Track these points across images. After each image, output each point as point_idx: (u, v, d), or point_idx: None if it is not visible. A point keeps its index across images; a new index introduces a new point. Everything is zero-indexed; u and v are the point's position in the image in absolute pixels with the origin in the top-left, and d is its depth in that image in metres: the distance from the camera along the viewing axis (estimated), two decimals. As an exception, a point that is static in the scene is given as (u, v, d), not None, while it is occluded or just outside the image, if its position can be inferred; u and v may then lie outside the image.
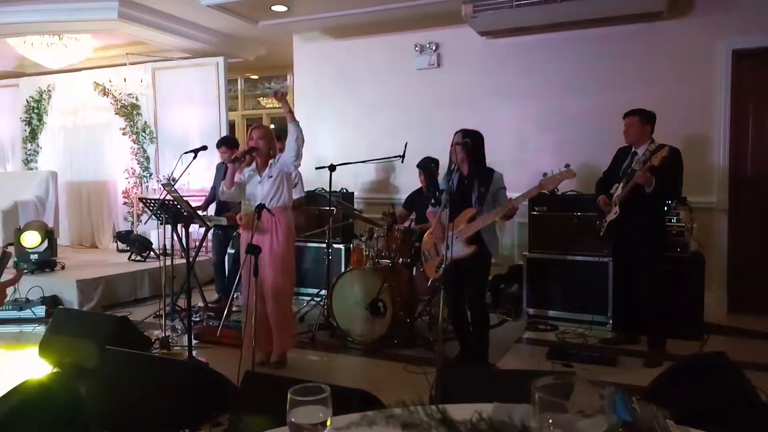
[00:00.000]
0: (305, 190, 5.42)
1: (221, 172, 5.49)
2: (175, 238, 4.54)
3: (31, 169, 8.32)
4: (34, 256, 5.84)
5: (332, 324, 4.49)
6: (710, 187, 4.96)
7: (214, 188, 5.50)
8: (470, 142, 3.59)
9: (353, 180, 6.08)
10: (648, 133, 4.00)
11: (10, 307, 5.12)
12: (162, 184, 5.11)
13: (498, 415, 1.08)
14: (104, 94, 7.72)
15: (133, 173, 7.72)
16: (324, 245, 5.17)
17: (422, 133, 5.73)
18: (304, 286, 5.74)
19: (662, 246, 4.12)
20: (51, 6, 5.82)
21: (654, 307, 4.00)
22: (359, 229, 5.51)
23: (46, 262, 5.87)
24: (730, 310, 4.98)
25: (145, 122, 7.66)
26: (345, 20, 5.92)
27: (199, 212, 5.23)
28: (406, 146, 4.91)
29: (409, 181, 5.60)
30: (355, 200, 6.03)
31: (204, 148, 4.92)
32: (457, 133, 3.66)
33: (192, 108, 7.37)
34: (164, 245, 4.83)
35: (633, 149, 4.05)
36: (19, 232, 5.85)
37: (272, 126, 9.35)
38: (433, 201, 3.86)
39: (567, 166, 3.42)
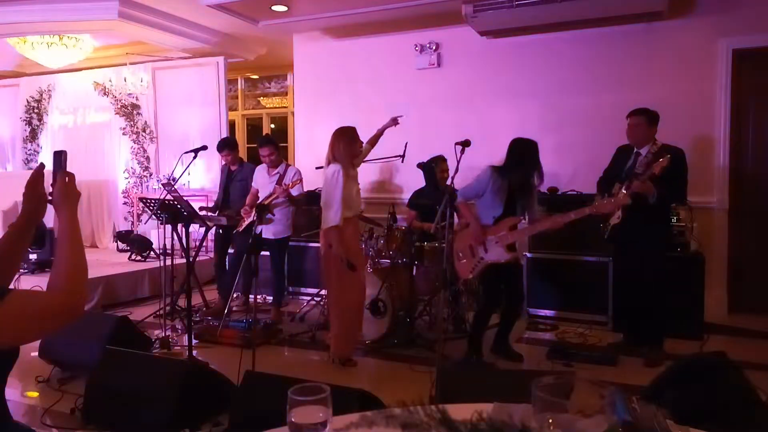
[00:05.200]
0: (305, 189, 5.40)
1: (225, 174, 5.49)
2: (175, 237, 4.54)
3: (32, 168, 8.31)
4: (33, 256, 5.84)
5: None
6: (710, 187, 4.96)
7: (226, 191, 5.44)
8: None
9: (353, 180, 6.07)
10: (653, 133, 3.94)
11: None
12: (162, 184, 5.12)
13: (498, 415, 1.08)
14: (104, 93, 7.72)
15: (133, 173, 7.73)
16: (324, 245, 5.17)
17: (422, 133, 5.72)
18: (304, 286, 5.75)
19: (666, 249, 4.07)
20: (51, 6, 5.81)
21: (655, 308, 3.95)
22: (359, 229, 5.50)
23: (46, 262, 5.87)
24: (730, 310, 4.98)
25: (145, 122, 7.66)
26: (345, 20, 5.92)
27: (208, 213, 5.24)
28: (406, 146, 4.91)
29: (409, 181, 5.60)
30: (355, 200, 6.02)
31: (204, 147, 4.93)
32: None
33: (192, 108, 7.37)
34: (164, 245, 4.83)
35: (635, 149, 3.98)
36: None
37: (272, 126, 9.36)
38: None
39: (624, 191, 3.67)
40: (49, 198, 1.41)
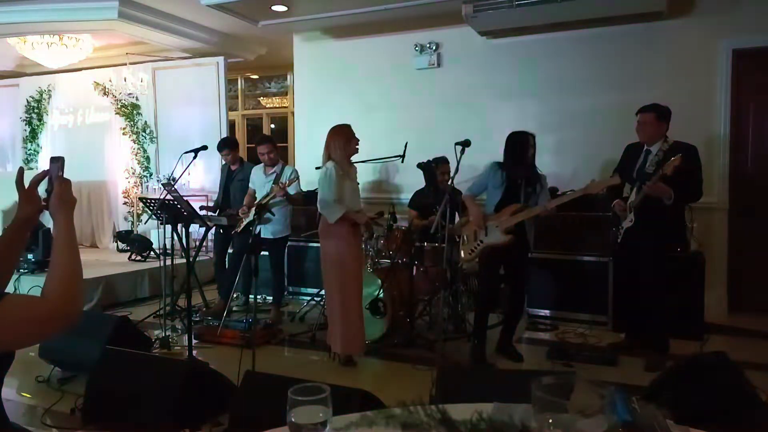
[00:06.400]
0: (305, 189, 5.40)
1: (225, 173, 5.49)
2: (175, 237, 4.54)
3: (32, 169, 8.32)
4: (30, 256, 5.84)
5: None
6: (710, 187, 4.94)
7: (226, 191, 5.44)
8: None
9: (353, 180, 6.07)
10: (664, 131, 3.81)
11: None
12: (162, 184, 5.11)
13: (498, 415, 1.08)
14: (104, 93, 7.72)
15: (133, 173, 7.72)
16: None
17: (422, 133, 5.72)
18: (304, 286, 5.75)
19: (680, 251, 3.97)
20: (51, 6, 5.82)
21: (660, 311, 3.90)
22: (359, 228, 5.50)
23: (46, 262, 5.87)
24: (730, 310, 4.98)
25: (146, 122, 7.66)
26: (345, 20, 5.92)
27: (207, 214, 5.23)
28: (406, 146, 4.91)
29: (409, 181, 5.60)
30: (355, 200, 6.02)
31: (204, 147, 4.93)
32: (531, 136, 3.89)
33: (192, 108, 7.37)
34: (164, 245, 4.83)
35: (645, 147, 3.85)
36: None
37: (272, 126, 9.36)
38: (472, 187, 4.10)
39: (614, 173, 3.70)
40: (44, 204, 1.41)
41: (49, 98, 8.26)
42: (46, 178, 1.42)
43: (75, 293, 1.27)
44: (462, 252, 4.09)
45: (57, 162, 1.42)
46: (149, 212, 5.25)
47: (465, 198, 4.04)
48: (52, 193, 1.39)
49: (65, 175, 1.41)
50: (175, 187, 4.58)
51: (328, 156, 3.87)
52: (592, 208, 4.66)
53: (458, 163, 3.51)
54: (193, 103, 7.36)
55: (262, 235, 4.73)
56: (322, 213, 3.86)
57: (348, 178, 3.88)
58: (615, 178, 3.68)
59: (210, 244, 6.25)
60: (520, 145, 3.85)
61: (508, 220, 3.80)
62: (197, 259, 5.78)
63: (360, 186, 6.12)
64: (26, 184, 1.43)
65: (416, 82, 6.05)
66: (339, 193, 3.77)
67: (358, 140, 3.96)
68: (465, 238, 4.07)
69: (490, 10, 4.96)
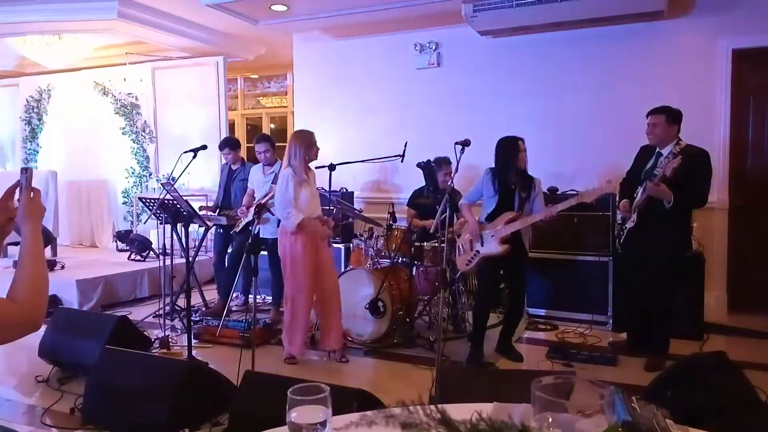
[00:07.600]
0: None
1: (225, 173, 5.49)
2: (175, 237, 4.54)
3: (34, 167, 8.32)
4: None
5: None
6: (710, 187, 4.94)
7: (226, 191, 5.44)
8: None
9: (353, 179, 6.07)
10: (674, 133, 3.76)
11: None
12: (161, 184, 5.12)
13: (498, 415, 1.08)
14: (104, 93, 7.71)
15: (132, 173, 7.72)
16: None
17: (422, 132, 5.73)
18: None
19: (681, 254, 3.84)
20: (51, 6, 5.81)
21: (662, 313, 3.87)
22: (359, 229, 5.51)
23: (48, 261, 5.87)
24: (730, 310, 4.98)
25: (145, 122, 7.66)
26: (345, 20, 5.91)
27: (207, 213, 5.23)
28: (405, 146, 4.90)
29: (409, 181, 5.60)
30: (354, 199, 6.03)
31: (204, 147, 4.92)
32: (520, 140, 3.91)
33: (192, 107, 7.37)
34: (164, 245, 4.82)
35: (657, 149, 3.81)
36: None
37: (272, 125, 9.36)
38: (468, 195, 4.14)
39: (609, 181, 3.67)
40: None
41: (48, 98, 8.25)
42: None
43: (42, 302, 1.33)
44: (458, 263, 4.14)
45: (26, 173, 1.48)
46: (149, 212, 5.24)
47: (461, 206, 4.10)
48: (20, 203, 1.43)
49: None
50: (175, 186, 4.58)
51: (287, 162, 3.86)
52: (592, 208, 4.65)
53: (458, 162, 3.50)
54: (192, 103, 7.35)
55: (261, 235, 4.73)
56: (281, 219, 3.89)
57: (307, 185, 3.88)
58: (610, 185, 3.66)
59: (210, 243, 6.25)
60: (509, 150, 3.87)
61: (504, 230, 3.82)
62: (197, 258, 5.77)
63: (360, 185, 6.19)
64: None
65: (416, 82, 6.05)
66: (295, 201, 3.79)
67: (319, 148, 3.97)
68: (461, 248, 4.09)
69: (489, 10, 4.96)
